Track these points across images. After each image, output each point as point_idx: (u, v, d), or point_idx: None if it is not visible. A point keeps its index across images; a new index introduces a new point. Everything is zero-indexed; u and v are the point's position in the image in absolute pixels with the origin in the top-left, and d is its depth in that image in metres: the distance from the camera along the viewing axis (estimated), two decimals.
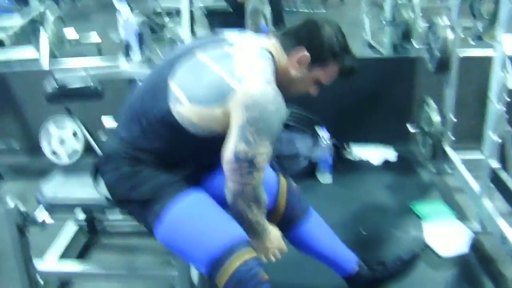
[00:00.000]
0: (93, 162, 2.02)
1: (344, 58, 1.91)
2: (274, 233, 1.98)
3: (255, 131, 1.67)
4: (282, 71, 1.88)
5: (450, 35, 3.15)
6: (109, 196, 1.97)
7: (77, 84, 2.80)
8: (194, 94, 1.74)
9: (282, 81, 1.85)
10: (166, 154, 1.84)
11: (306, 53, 1.86)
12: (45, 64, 3.98)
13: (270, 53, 1.86)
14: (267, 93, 1.70)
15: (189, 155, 1.88)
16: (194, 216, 1.79)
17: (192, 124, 1.75)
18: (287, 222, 2.15)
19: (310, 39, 1.87)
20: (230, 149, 1.70)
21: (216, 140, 1.75)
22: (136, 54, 3.17)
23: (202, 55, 1.81)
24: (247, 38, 1.95)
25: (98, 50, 5.29)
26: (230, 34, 1.94)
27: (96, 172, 2.02)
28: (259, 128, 1.67)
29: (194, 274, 2.30)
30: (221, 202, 1.89)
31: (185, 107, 1.74)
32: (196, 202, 1.82)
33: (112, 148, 1.90)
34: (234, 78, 1.71)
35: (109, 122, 2.72)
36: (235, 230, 1.77)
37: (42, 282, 2.34)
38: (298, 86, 1.93)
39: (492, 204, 2.69)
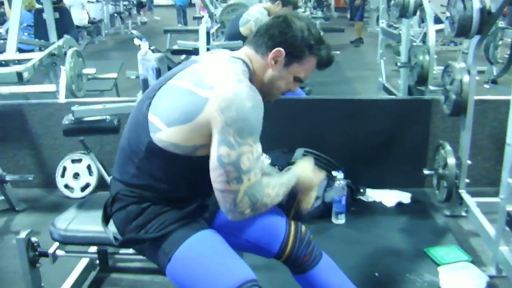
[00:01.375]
0: (103, 207, 2.00)
1: (319, 49, 1.88)
2: (303, 171, 2.00)
3: (234, 131, 1.65)
4: (259, 74, 1.87)
5: (466, 78, 3.15)
6: (118, 236, 1.96)
7: (93, 118, 2.82)
8: (170, 117, 1.73)
9: (262, 84, 1.86)
10: (165, 188, 1.83)
11: (280, 49, 1.84)
12: (62, 98, 4.02)
13: (241, 59, 1.85)
14: (240, 91, 1.68)
15: (187, 184, 1.86)
16: (202, 255, 1.77)
17: (177, 146, 1.74)
18: (296, 267, 2.11)
19: (282, 35, 1.85)
20: (213, 156, 1.68)
21: (207, 161, 1.73)
22: None
23: (172, 80, 1.82)
24: (216, 52, 1.96)
25: (116, 91, 5.36)
26: (200, 56, 1.95)
27: (105, 214, 2.01)
28: (238, 127, 1.65)
29: None
30: (233, 229, 1.91)
31: (164, 133, 1.73)
32: (204, 241, 1.80)
33: (117, 190, 1.90)
34: (205, 89, 1.70)
35: None
36: (244, 271, 1.74)
37: None
38: (278, 85, 1.91)
39: (508, 248, 2.66)
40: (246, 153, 1.67)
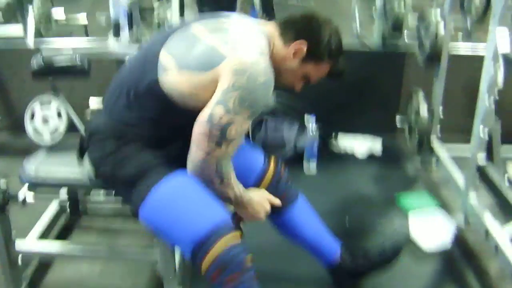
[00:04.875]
0: (79, 141, 1.98)
1: (337, 59, 1.93)
2: (256, 200, 1.94)
3: (237, 97, 1.64)
4: (275, 57, 1.85)
5: (441, 31, 3.14)
6: (92, 176, 1.94)
7: (63, 62, 2.75)
8: (184, 61, 1.72)
9: (273, 67, 1.83)
10: (152, 128, 1.82)
11: (304, 47, 1.85)
12: (31, 43, 3.91)
13: (267, 38, 1.84)
14: (259, 63, 1.68)
15: (175, 131, 1.85)
16: (179, 199, 1.76)
17: (180, 93, 1.73)
18: (273, 206, 2.13)
19: (310, 34, 1.87)
20: (206, 111, 1.67)
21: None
22: (125, 34, 3.12)
23: (197, 27, 1.80)
24: (247, 19, 1.94)
25: (86, 32, 5.23)
26: (231, 13, 1.92)
27: (81, 151, 1.99)
28: (242, 95, 1.65)
29: (177, 257, 2.28)
30: None
31: (173, 75, 1.72)
32: (182, 184, 1.78)
33: (97, 125, 1.88)
34: (227, 46, 1.70)
35: (96, 103, 2.67)
36: (220, 214, 1.73)
37: (20, 262, 2.30)
38: (287, 77, 1.91)
39: (477, 198, 2.70)
40: (237, 123, 1.67)
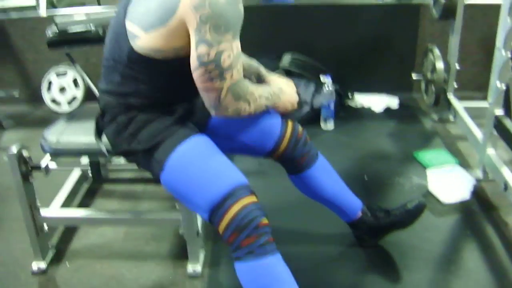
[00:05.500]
0: (94, 121, 1.99)
1: None
2: (284, 89, 2.01)
3: (210, 28, 1.61)
4: None
5: None
6: (110, 148, 1.96)
7: (78, 30, 2.76)
8: (146, 22, 1.69)
9: None
10: (152, 94, 1.81)
11: None
12: (43, 12, 3.92)
13: None
14: None
15: (175, 91, 1.85)
16: (195, 163, 1.76)
17: (157, 51, 1.71)
18: (293, 167, 2.15)
19: None
20: (192, 57, 1.65)
21: (188, 64, 1.70)
22: None
23: None
24: None
25: (98, 1, 5.22)
26: None
27: (98, 130, 2.00)
28: (214, 24, 1.61)
29: (199, 218, 2.31)
30: (227, 132, 1.94)
31: (143, 39, 1.70)
32: (196, 147, 1.80)
33: (104, 102, 1.88)
34: None
35: None
36: (235, 176, 1.74)
37: (46, 228, 2.35)
38: None
39: (495, 152, 2.70)
40: (226, 50, 1.64)
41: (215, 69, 1.64)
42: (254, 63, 2.17)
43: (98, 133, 1.98)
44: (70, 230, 2.58)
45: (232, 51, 1.65)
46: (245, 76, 1.98)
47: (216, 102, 1.70)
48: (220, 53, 1.63)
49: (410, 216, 2.28)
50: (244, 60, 2.13)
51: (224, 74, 1.65)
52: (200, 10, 1.60)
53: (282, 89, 2.00)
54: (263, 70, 2.17)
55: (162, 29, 1.67)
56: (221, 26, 1.61)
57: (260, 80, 2.15)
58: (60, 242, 2.50)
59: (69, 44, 2.97)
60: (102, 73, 1.91)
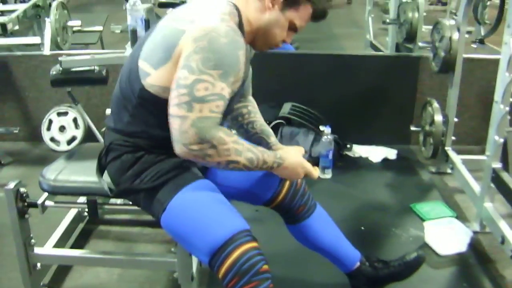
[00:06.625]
0: (97, 159, 1.99)
1: None
2: (288, 162, 1.87)
3: (200, 58, 1.60)
4: (254, 18, 1.81)
5: (455, 35, 3.16)
6: (112, 187, 1.96)
7: (82, 68, 2.78)
8: (155, 58, 1.71)
9: (258, 29, 1.82)
10: (160, 134, 1.79)
11: None
12: (47, 50, 3.97)
13: (232, 3, 1.78)
14: (219, 28, 1.63)
15: None
16: (196, 205, 1.77)
17: (165, 89, 1.70)
18: (290, 216, 2.15)
19: None
20: (174, 79, 1.64)
21: None
22: None
23: (160, 23, 1.80)
24: None
25: (101, 45, 5.31)
26: None
27: (100, 168, 2.00)
28: (205, 56, 1.60)
29: (194, 263, 2.29)
30: (226, 177, 1.94)
31: (153, 76, 1.72)
32: (199, 191, 1.80)
33: (111, 139, 1.89)
34: (185, 22, 1.67)
35: None
36: (237, 221, 1.74)
37: (39, 266, 2.32)
38: (274, 32, 1.85)
39: (492, 205, 2.71)
40: (204, 82, 1.60)
41: (186, 95, 1.60)
42: (267, 129, 2.15)
43: (100, 171, 1.98)
44: (63, 269, 2.55)
45: (212, 86, 1.61)
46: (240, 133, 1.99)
47: (178, 133, 1.63)
48: (197, 82, 1.60)
49: (408, 268, 2.27)
50: (259, 121, 2.14)
51: (193, 103, 1.60)
52: (198, 41, 1.61)
53: (285, 164, 1.86)
54: (274, 139, 2.13)
55: (168, 64, 1.68)
56: (211, 60, 1.61)
57: (263, 144, 2.09)
58: (53, 281, 2.47)
59: (73, 83, 2.99)
60: (111, 112, 1.92)
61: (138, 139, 1.83)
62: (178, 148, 1.66)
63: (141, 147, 1.83)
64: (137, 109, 1.80)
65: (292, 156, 1.91)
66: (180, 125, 1.62)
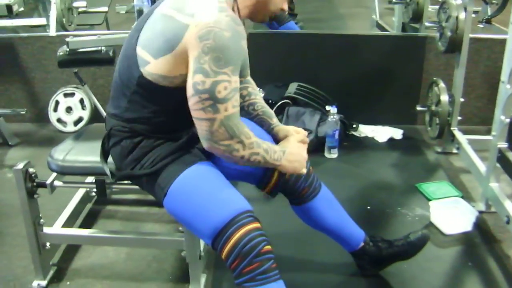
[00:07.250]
0: (101, 144, 2.00)
1: None
2: (289, 151, 1.90)
3: (210, 59, 1.62)
4: None
5: (462, 15, 3.14)
6: (114, 171, 1.97)
7: (88, 49, 2.78)
8: (155, 48, 1.71)
9: (256, 1, 1.83)
10: (158, 120, 1.82)
11: None
12: (52, 31, 3.98)
13: None
14: (220, 21, 1.64)
15: (178, 115, 1.82)
16: (197, 189, 1.78)
17: (165, 77, 1.72)
18: (295, 198, 2.16)
19: None
20: (189, 84, 1.66)
21: None
22: None
23: (158, 9, 1.79)
24: None
25: (106, 21, 5.30)
26: None
27: (104, 152, 2.01)
28: (215, 56, 1.62)
29: (202, 244, 2.32)
30: (228, 167, 1.92)
31: (152, 65, 1.72)
32: (199, 173, 1.80)
33: (111, 125, 1.90)
34: (186, 15, 1.67)
35: None
36: (239, 202, 1.75)
37: (49, 246, 2.35)
38: (273, 2, 1.86)
39: (498, 185, 2.71)
40: (222, 82, 1.63)
41: (209, 99, 1.63)
42: (268, 110, 2.16)
43: (104, 155, 1.99)
44: (72, 248, 2.58)
45: (229, 84, 1.65)
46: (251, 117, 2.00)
47: (208, 133, 1.68)
48: (216, 84, 1.63)
49: (412, 247, 2.29)
50: (260, 102, 2.15)
51: (217, 105, 1.64)
52: (204, 40, 1.61)
53: (288, 156, 1.89)
54: (276, 120, 2.14)
55: (170, 56, 1.69)
56: (222, 59, 1.62)
57: (265, 125, 2.12)
58: (62, 261, 2.50)
59: (79, 64, 2.99)
60: (111, 96, 1.93)
61: (136, 125, 1.83)
62: (208, 145, 1.72)
63: (139, 132, 1.84)
64: (135, 95, 1.80)
65: (292, 145, 1.95)
66: (210, 126, 1.67)
